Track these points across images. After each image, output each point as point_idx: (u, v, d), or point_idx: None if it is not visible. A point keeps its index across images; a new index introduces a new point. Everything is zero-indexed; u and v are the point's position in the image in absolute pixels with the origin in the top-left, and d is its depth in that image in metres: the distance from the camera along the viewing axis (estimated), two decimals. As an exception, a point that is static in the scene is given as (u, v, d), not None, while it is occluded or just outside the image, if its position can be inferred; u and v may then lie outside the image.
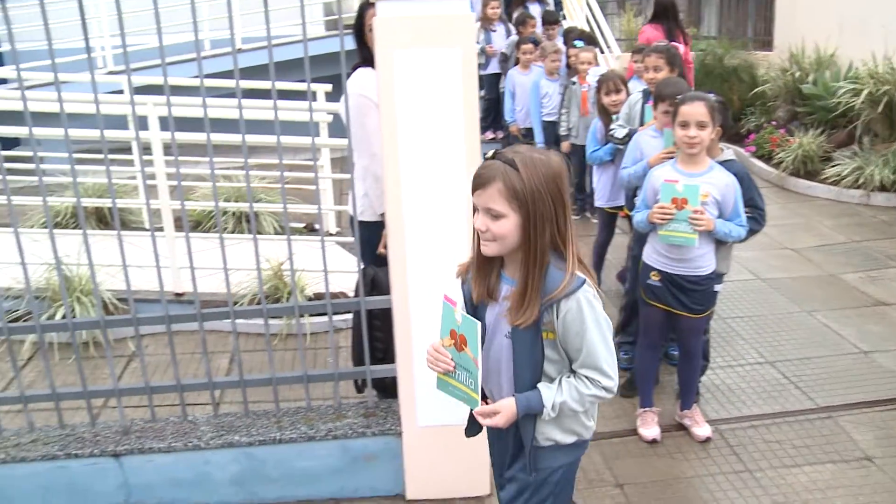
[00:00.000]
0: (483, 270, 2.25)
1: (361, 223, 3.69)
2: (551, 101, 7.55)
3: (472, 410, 2.28)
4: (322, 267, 3.48)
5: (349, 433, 3.47)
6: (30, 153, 7.77)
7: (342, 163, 7.48)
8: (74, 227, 6.60)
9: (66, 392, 3.69)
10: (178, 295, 5.37)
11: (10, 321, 4.05)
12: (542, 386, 2.21)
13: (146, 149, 5.79)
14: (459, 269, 2.36)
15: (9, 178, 6.89)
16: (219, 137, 3.74)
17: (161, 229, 5.45)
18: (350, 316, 4.18)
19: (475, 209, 2.16)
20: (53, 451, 3.52)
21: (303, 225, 7.02)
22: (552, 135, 7.62)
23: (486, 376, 2.31)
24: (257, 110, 5.73)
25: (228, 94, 7.23)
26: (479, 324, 2.12)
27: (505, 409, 2.21)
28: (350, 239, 5.48)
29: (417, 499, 3.56)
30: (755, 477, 3.69)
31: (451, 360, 2.23)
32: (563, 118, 7.10)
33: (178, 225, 5.71)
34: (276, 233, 6.59)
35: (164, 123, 6.06)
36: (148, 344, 5.06)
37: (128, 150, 6.75)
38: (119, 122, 6.62)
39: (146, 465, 3.53)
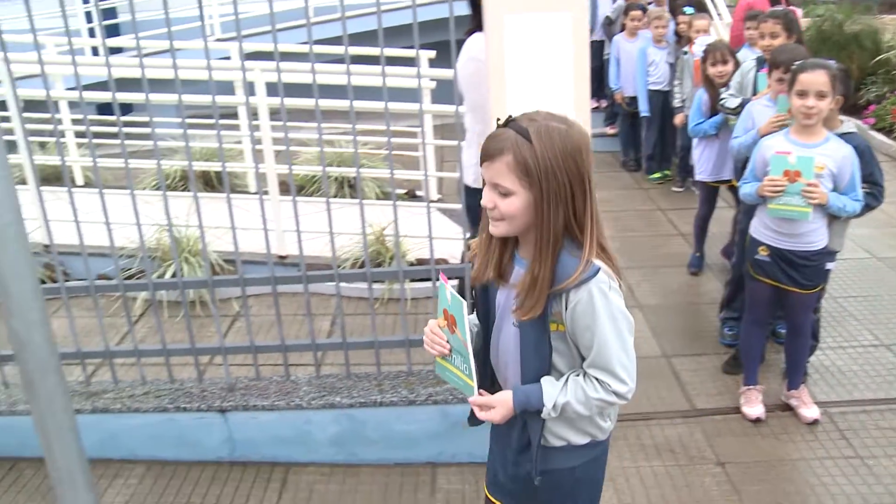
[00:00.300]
0: (494, 250, 2.00)
1: (472, 190, 3.67)
2: (658, 70, 7.37)
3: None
4: (425, 233, 3.49)
5: (449, 398, 3.48)
6: (138, 118, 8.08)
7: (443, 130, 7.47)
8: (182, 190, 6.81)
9: (176, 348, 3.82)
10: (281, 258, 5.49)
11: (124, 279, 4.20)
12: (547, 381, 1.97)
13: (252, 114, 5.90)
14: (472, 249, 2.11)
15: (112, 142, 7.16)
16: (327, 103, 3.78)
17: (266, 193, 5.57)
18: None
19: (484, 183, 1.91)
20: (164, 403, 3.66)
21: (404, 191, 7.07)
22: (657, 104, 7.44)
23: (496, 364, 2.12)
24: (365, 76, 5.76)
25: (330, 60, 7.32)
26: (464, 302, 1.91)
27: (500, 403, 1.99)
28: (452, 206, 5.50)
29: (513, 467, 3.56)
30: (867, 464, 3.54)
31: (448, 342, 2.02)
32: (676, 90, 6.90)
33: (280, 189, 5.83)
34: (378, 198, 6.64)
35: (269, 89, 6.18)
36: (251, 304, 5.19)
37: (232, 116, 6.90)
38: (223, 87, 6.76)
39: (250, 422, 3.64)
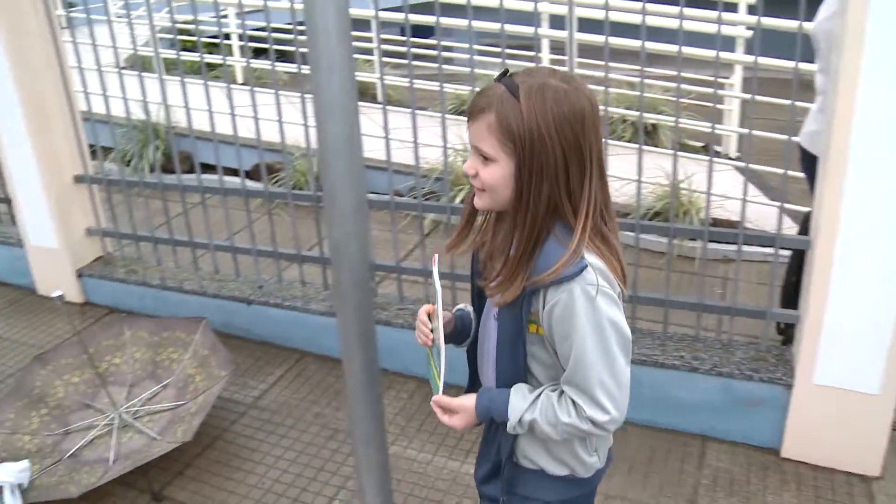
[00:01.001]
0: (488, 225, 1.73)
1: (812, 156, 3.34)
2: None
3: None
4: (717, 190, 3.25)
5: (735, 373, 3.25)
6: (434, 42, 8.25)
7: (749, 83, 6.93)
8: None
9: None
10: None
11: (413, 198, 4.30)
12: (517, 391, 1.67)
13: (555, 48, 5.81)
14: None
15: (422, 64, 7.39)
16: (619, 42, 3.60)
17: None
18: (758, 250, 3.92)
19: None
20: (443, 327, 3.74)
21: (700, 144, 6.71)
22: None
23: (479, 361, 1.87)
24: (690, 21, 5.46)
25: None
26: (440, 291, 1.70)
27: (463, 408, 1.72)
28: (756, 167, 5.12)
29: (793, 459, 3.27)
30: None
31: (431, 331, 1.78)
32: None
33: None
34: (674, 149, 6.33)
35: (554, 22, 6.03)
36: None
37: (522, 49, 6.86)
38: (513, 18, 6.74)
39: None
